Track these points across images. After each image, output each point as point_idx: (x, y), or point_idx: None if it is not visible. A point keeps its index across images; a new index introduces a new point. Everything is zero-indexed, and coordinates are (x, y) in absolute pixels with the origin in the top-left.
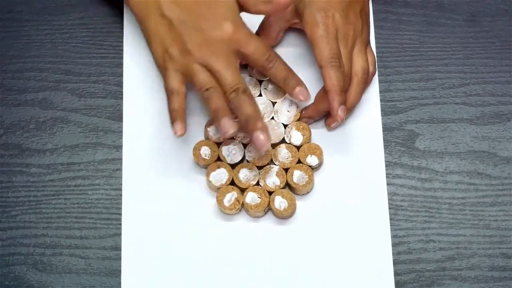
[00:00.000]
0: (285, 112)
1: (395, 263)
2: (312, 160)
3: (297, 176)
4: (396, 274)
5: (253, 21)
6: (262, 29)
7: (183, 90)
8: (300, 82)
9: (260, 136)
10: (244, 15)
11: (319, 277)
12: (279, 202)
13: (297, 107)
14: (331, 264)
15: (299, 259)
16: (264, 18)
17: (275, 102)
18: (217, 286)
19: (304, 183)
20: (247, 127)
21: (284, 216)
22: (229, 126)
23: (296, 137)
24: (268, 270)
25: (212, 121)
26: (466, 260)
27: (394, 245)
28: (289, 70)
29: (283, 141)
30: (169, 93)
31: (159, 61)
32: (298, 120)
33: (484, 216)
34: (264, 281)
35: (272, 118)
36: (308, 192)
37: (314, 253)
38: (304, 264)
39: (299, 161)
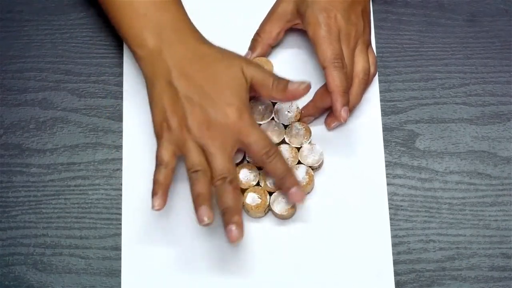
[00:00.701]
0: (285, 112)
1: (395, 263)
2: (313, 160)
3: (299, 177)
4: (396, 274)
5: (254, 22)
6: (263, 29)
7: (172, 165)
8: (296, 183)
9: (233, 230)
10: (243, 7)
11: (320, 277)
12: (279, 203)
13: (297, 107)
14: (331, 264)
15: (299, 259)
16: (265, 17)
17: (275, 103)
18: (217, 286)
19: (304, 183)
20: (223, 218)
21: (284, 217)
22: (206, 215)
23: (297, 139)
24: (268, 270)
25: (193, 204)
26: (466, 260)
27: (394, 245)
28: (287, 168)
29: (283, 141)
30: (158, 163)
31: (157, 127)
32: (299, 120)
33: (484, 216)
34: (265, 281)
35: (272, 118)
36: (308, 193)
37: (315, 253)
38: (304, 264)
39: (299, 162)
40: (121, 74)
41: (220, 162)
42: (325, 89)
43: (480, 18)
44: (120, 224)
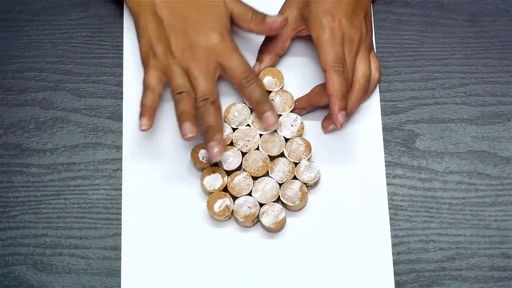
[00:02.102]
0: (289, 126)
1: (395, 263)
2: (308, 177)
3: (291, 193)
4: (396, 274)
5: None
6: (268, 39)
7: (159, 89)
8: (272, 108)
9: (214, 148)
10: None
11: (320, 277)
12: (267, 216)
13: (301, 122)
14: (331, 264)
15: (300, 258)
16: None
17: (280, 115)
18: (218, 286)
19: (297, 201)
20: (205, 136)
21: (272, 230)
22: (188, 130)
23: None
24: (269, 270)
25: (177, 122)
26: (466, 260)
27: (394, 245)
28: (265, 94)
29: (282, 154)
30: (145, 88)
31: (143, 56)
32: (300, 135)
33: (484, 216)
34: (265, 281)
35: (275, 130)
36: (300, 209)
37: (315, 253)
38: (305, 264)
39: (294, 178)
40: (121, 74)
41: (203, 84)
42: (323, 88)
43: (480, 18)
44: (120, 224)
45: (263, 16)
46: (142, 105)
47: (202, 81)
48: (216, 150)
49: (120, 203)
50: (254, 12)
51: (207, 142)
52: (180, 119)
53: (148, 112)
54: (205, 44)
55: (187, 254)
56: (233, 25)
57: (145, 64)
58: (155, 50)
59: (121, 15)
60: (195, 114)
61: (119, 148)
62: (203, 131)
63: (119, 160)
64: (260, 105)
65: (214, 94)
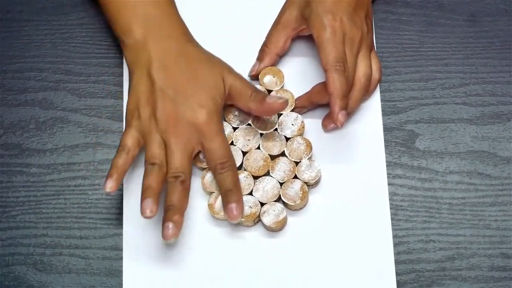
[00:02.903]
0: (289, 125)
1: (395, 263)
2: (309, 176)
3: (292, 192)
4: (396, 274)
5: (259, 30)
6: (269, 39)
7: (134, 152)
8: (238, 201)
9: (169, 228)
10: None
11: (321, 277)
12: (268, 216)
13: (302, 121)
14: (332, 263)
15: (300, 258)
16: (271, 27)
17: (281, 114)
18: (218, 286)
19: (298, 200)
20: (165, 214)
21: (273, 229)
22: (148, 208)
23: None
24: (270, 269)
25: (141, 195)
26: (466, 260)
27: (394, 245)
28: (236, 185)
29: (283, 154)
30: (120, 147)
31: (128, 114)
32: (301, 134)
33: (484, 216)
34: (266, 280)
35: (276, 129)
36: (301, 208)
37: (316, 253)
38: (305, 263)
39: (295, 177)
40: (121, 74)
41: (177, 160)
42: (324, 87)
43: (480, 18)
44: (120, 224)
45: (264, 95)
46: (112, 165)
47: (178, 157)
48: (170, 232)
49: (120, 203)
50: (254, 89)
51: (164, 220)
52: (143, 193)
53: (117, 173)
54: (191, 120)
55: (188, 253)
56: (230, 101)
57: (127, 122)
58: (141, 113)
59: None
60: (161, 190)
61: None
62: (165, 207)
63: None
64: (227, 195)
65: (186, 173)
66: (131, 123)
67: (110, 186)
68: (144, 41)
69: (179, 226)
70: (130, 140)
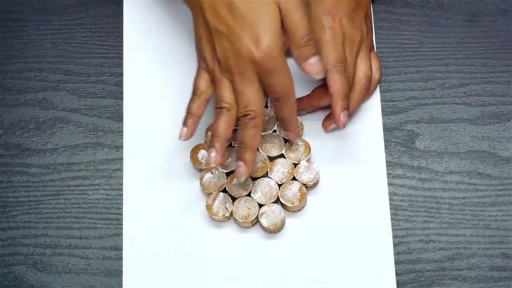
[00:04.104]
0: None
1: (395, 263)
2: (308, 178)
3: (290, 194)
4: (396, 274)
5: None
6: None
7: (207, 94)
8: (295, 129)
9: (240, 166)
10: None
11: (320, 278)
12: (267, 217)
13: (301, 123)
14: (331, 265)
15: (299, 259)
16: None
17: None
18: (219, 286)
19: (296, 202)
20: (237, 152)
21: (271, 231)
22: (212, 159)
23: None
24: (267, 271)
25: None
26: (466, 260)
27: (394, 245)
28: (294, 116)
29: (281, 155)
30: (193, 90)
31: (197, 54)
32: (300, 135)
33: (484, 216)
34: (265, 282)
35: (274, 131)
36: (299, 210)
37: (314, 254)
38: (304, 265)
39: (294, 178)
40: (121, 74)
41: (246, 97)
42: (324, 89)
43: (480, 18)
44: (120, 224)
45: (308, 52)
46: (188, 110)
47: (246, 95)
48: (241, 170)
49: (120, 203)
50: (309, 35)
51: (236, 159)
52: (211, 140)
53: (192, 119)
54: (248, 56)
55: (186, 254)
56: (284, 32)
57: (198, 65)
58: (204, 54)
59: (121, 15)
60: (230, 136)
61: (119, 148)
62: (237, 146)
63: (119, 160)
64: (287, 123)
65: (257, 110)
66: (200, 64)
67: (184, 134)
68: None
69: (250, 164)
70: (202, 83)
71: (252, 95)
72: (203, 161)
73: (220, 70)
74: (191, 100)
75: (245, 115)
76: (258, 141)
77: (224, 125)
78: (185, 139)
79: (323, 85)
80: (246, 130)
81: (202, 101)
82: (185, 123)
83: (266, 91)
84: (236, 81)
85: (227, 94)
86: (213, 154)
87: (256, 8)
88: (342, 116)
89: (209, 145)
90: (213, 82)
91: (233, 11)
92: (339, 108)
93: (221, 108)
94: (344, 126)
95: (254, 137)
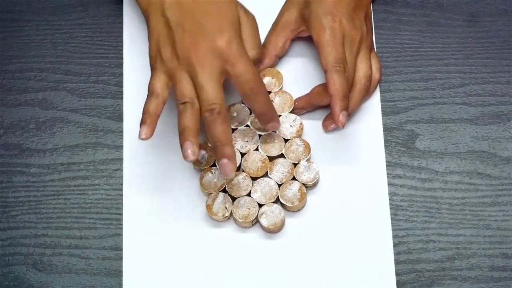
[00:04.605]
0: (288, 126)
1: (395, 263)
2: (307, 178)
3: (290, 193)
4: (396, 274)
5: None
6: (269, 40)
7: (164, 95)
8: (275, 119)
9: (225, 163)
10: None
11: (320, 278)
12: (266, 217)
13: (301, 123)
14: (331, 265)
15: (299, 259)
16: (270, 28)
17: (280, 115)
18: (219, 286)
19: (296, 202)
20: (215, 151)
21: (271, 231)
22: (190, 152)
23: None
24: (267, 271)
25: (179, 138)
26: (466, 260)
27: (394, 245)
28: (269, 104)
29: (282, 155)
30: (149, 93)
31: (151, 59)
32: (300, 136)
33: (484, 216)
34: (264, 282)
35: (274, 131)
36: (299, 210)
37: (314, 254)
38: (304, 265)
39: (294, 178)
40: (121, 74)
41: (208, 92)
42: (324, 88)
43: (480, 18)
44: (120, 224)
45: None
46: (144, 111)
47: (208, 88)
48: (228, 167)
49: (120, 203)
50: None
51: (217, 158)
52: (181, 136)
53: (150, 119)
54: (211, 47)
55: (186, 254)
56: None
57: (152, 67)
58: (162, 54)
59: (121, 15)
60: (199, 128)
61: (119, 148)
62: (212, 145)
63: (119, 160)
64: (264, 116)
65: (220, 103)
66: (155, 66)
67: (145, 132)
68: None
69: (233, 158)
70: (158, 84)
71: (213, 89)
72: (203, 161)
73: (179, 66)
74: (148, 101)
75: (210, 110)
76: (231, 133)
77: (191, 118)
78: (146, 138)
79: (322, 84)
80: (217, 126)
81: (160, 101)
82: (143, 122)
83: (235, 85)
84: (198, 73)
85: (188, 89)
86: (190, 149)
87: (217, 2)
88: (341, 116)
89: (183, 141)
90: (172, 80)
91: (195, 5)
92: (338, 108)
93: (184, 103)
94: (343, 126)
95: (226, 130)
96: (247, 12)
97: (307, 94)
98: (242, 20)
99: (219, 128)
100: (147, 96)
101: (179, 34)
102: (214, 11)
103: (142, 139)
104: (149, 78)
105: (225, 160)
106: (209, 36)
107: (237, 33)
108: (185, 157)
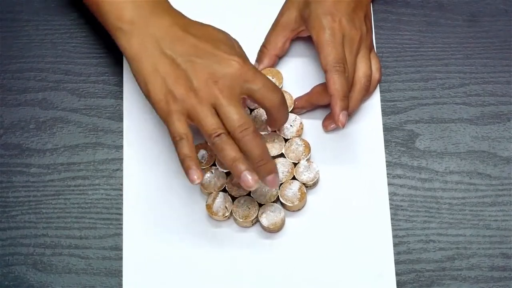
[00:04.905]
0: (288, 126)
1: (395, 263)
2: (307, 177)
3: (290, 193)
4: (396, 274)
5: (258, 31)
6: (268, 40)
7: (191, 134)
8: (287, 114)
9: (274, 178)
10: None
11: (320, 278)
12: (266, 216)
13: (301, 122)
14: (331, 264)
15: (299, 259)
16: (270, 28)
17: None
18: (216, 286)
19: (296, 201)
20: (259, 171)
21: (271, 230)
22: (250, 181)
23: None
24: (267, 271)
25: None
26: (466, 260)
27: (394, 245)
28: (286, 115)
29: (281, 155)
30: (177, 139)
31: (161, 104)
32: (299, 135)
33: (484, 216)
34: (264, 282)
35: (274, 130)
36: (299, 209)
37: (314, 254)
38: (304, 264)
39: (294, 178)
40: (121, 74)
41: (235, 114)
42: (323, 88)
43: (480, 18)
44: (120, 224)
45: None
46: (183, 158)
47: (234, 111)
48: (275, 180)
49: (120, 203)
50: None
51: (262, 176)
52: (236, 169)
53: (193, 162)
54: (229, 71)
55: (186, 254)
56: None
57: (165, 112)
58: (175, 93)
59: None
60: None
61: (119, 148)
62: (255, 165)
63: (119, 160)
64: (277, 121)
65: (250, 122)
66: (170, 109)
67: (197, 176)
68: (143, 22)
69: (277, 170)
70: (181, 127)
71: (239, 109)
72: (203, 161)
73: (198, 99)
74: (180, 148)
75: (244, 130)
76: (267, 150)
77: (235, 149)
78: (200, 181)
79: (322, 83)
80: (252, 142)
81: (190, 141)
82: (189, 168)
83: (257, 101)
84: (221, 100)
85: (215, 121)
86: (247, 178)
87: (216, 31)
88: (341, 116)
89: (236, 172)
90: (193, 117)
91: (196, 37)
92: (338, 108)
93: (219, 135)
94: (343, 126)
95: (262, 145)
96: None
97: (307, 93)
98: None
99: (256, 143)
100: (175, 143)
101: (190, 69)
102: (214, 39)
103: (197, 183)
104: None
105: (271, 176)
106: (222, 61)
107: (242, 53)
108: (191, 181)
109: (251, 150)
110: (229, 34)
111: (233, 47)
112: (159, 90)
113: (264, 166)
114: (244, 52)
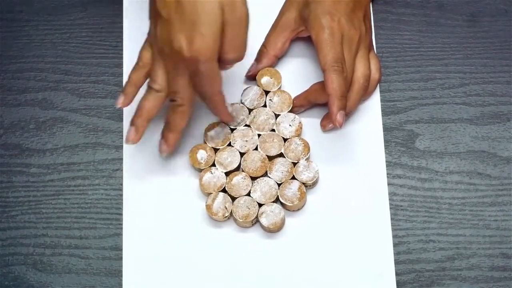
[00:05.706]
0: (287, 126)
1: (395, 263)
2: (307, 177)
3: (290, 193)
4: (396, 274)
5: (258, 31)
6: (268, 40)
7: (149, 68)
8: (228, 114)
9: (163, 144)
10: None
11: (320, 278)
12: (266, 216)
13: (300, 122)
14: (331, 264)
15: (299, 258)
16: (270, 28)
17: (279, 115)
18: (219, 286)
19: (296, 201)
20: (163, 130)
21: (271, 230)
22: (131, 135)
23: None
24: (267, 271)
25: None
26: (466, 260)
27: (394, 245)
28: (222, 106)
29: (280, 155)
30: (137, 61)
31: (150, 23)
32: (299, 135)
33: (484, 216)
34: (264, 281)
35: (273, 130)
36: (299, 209)
37: (314, 254)
38: (304, 264)
39: (293, 178)
40: (121, 74)
41: (174, 85)
42: (322, 86)
43: (480, 18)
44: (120, 224)
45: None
46: (128, 80)
47: (175, 83)
48: (163, 147)
49: (120, 203)
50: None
51: (161, 136)
52: (133, 116)
53: (130, 89)
54: (179, 51)
55: (186, 254)
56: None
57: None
58: (151, 28)
59: (121, 15)
60: (154, 115)
61: (119, 148)
62: (164, 125)
63: (119, 160)
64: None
65: (185, 97)
66: (148, 37)
67: (121, 101)
68: None
69: (171, 144)
70: (146, 55)
71: (181, 84)
72: (202, 161)
73: (158, 50)
74: (134, 69)
75: (173, 100)
76: (183, 125)
77: (149, 105)
78: (122, 107)
79: (321, 82)
80: (173, 114)
81: (143, 73)
82: (124, 91)
83: (193, 88)
84: (168, 68)
85: (160, 75)
86: (132, 131)
87: (200, 7)
88: (339, 116)
89: (130, 122)
90: (152, 58)
91: (179, 2)
92: (336, 108)
93: (151, 88)
94: (341, 126)
95: (179, 121)
96: (234, 10)
97: (305, 91)
98: (226, 19)
99: (175, 116)
100: (135, 63)
101: (159, 21)
102: (193, 14)
103: (118, 107)
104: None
105: (163, 141)
106: (179, 42)
107: (208, 43)
108: (126, 138)
109: (168, 114)
110: (224, 6)
111: (205, 33)
112: (150, 18)
113: (166, 129)
114: (212, 42)
